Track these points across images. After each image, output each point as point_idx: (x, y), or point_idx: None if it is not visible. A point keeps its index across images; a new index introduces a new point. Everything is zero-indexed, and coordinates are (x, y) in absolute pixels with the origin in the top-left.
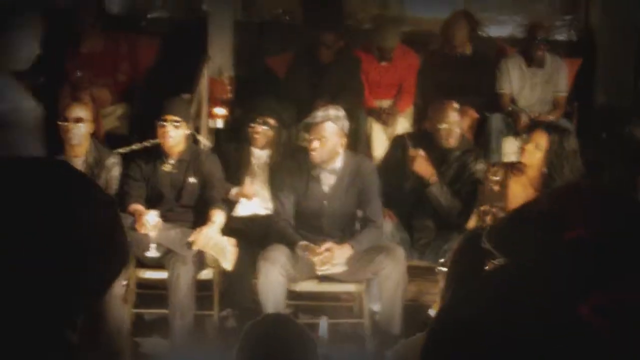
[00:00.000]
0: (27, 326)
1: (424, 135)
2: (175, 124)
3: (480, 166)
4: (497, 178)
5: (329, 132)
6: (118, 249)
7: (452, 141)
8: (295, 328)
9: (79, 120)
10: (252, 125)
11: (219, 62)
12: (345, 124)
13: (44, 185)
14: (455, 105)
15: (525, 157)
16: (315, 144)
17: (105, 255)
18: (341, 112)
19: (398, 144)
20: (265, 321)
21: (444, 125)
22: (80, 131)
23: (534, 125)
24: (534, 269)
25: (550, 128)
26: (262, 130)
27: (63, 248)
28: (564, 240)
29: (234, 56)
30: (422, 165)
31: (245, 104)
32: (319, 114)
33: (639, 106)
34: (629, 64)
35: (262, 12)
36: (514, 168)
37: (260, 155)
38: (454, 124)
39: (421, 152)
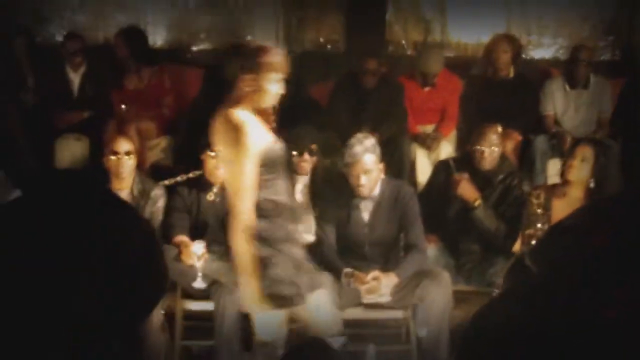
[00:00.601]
0: (65, 349)
1: (467, 158)
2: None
3: (525, 188)
4: (540, 201)
5: (371, 164)
6: (158, 277)
7: (491, 161)
8: (333, 353)
9: (127, 153)
10: (295, 153)
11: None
12: (379, 150)
13: (87, 212)
14: (497, 127)
15: (572, 173)
16: (364, 180)
17: (145, 283)
18: (373, 140)
19: (441, 168)
20: (303, 346)
21: (482, 147)
22: (128, 164)
23: (577, 142)
24: (564, 274)
25: (592, 142)
26: (307, 159)
27: (104, 274)
28: (591, 246)
29: None
30: (466, 188)
31: (288, 133)
32: (357, 148)
33: None
34: None
35: (305, 42)
36: (556, 190)
37: (301, 181)
38: (493, 145)
39: (465, 176)
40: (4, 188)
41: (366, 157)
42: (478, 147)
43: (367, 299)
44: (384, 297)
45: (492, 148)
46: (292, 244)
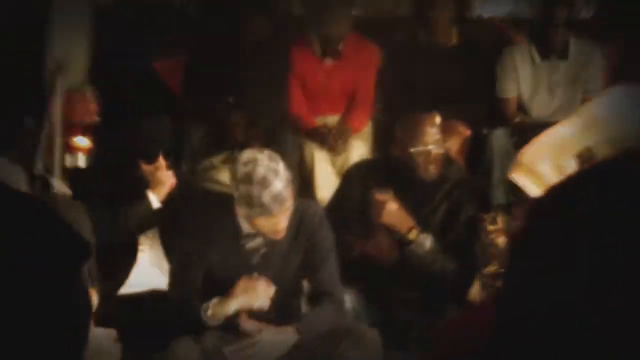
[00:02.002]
0: None
1: (393, 165)
2: None
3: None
4: (498, 226)
5: (290, 195)
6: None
7: (434, 170)
8: None
9: None
10: (145, 160)
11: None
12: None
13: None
14: (435, 117)
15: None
16: (284, 223)
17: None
18: (281, 165)
19: (354, 181)
20: None
21: (420, 148)
22: None
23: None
24: None
25: None
26: (162, 165)
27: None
28: None
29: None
30: (393, 214)
31: (122, 131)
32: (277, 185)
33: None
34: None
35: None
36: (521, 209)
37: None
38: (435, 144)
39: (389, 195)
40: None
41: (287, 192)
42: (420, 149)
43: None
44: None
45: (431, 148)
46: None
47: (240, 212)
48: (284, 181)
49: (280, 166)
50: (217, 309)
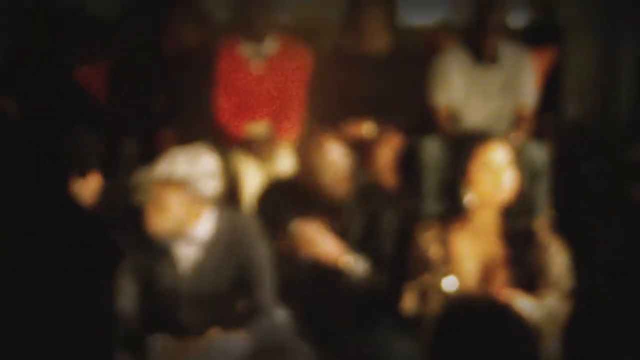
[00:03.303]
0: None
1: (302, 189)
2: None
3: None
4: (431, 237)
5: (169, 201)
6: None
7: (344, 185)
8: None
9: None
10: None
11: None
12: (207, 186)
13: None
14: (367, 125)
15: (485, 186)
16: (149, 213)
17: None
18: (201, 167)
19: (275, 194)
20: None
21: (325, 168)
22: None
23: (470, 142)
24: None
25: (496, 139)
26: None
27: None
28: None
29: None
30: (318, 246)
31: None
32: (161, 167)
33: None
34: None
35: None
36: (453, 220)
37: None
38: (340, 160)
39: (310, 227)
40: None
41: (164, 187)
42: (317, 173)
43: None
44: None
45: (337, 166)
46: None
47: None
48: (168, 177)
49: (202, 162)
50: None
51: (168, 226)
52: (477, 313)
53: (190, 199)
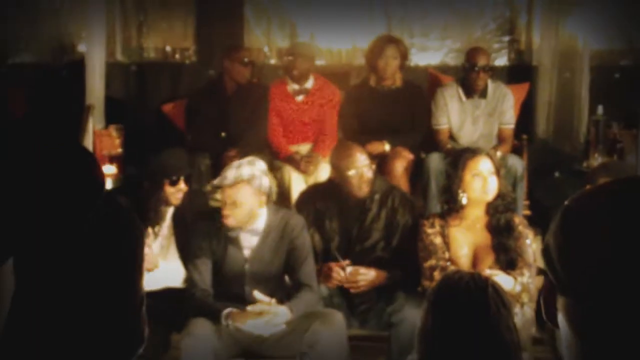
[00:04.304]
0: None
1: (333, 187)
2: None
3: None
4: (436, 229)
5: (242, 196)
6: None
7: (366, 188)
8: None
9: None
10: (164, 182)
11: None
12: (264, 181)
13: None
14: (384, 145)
15: (475, 189)
16: (227, 211)
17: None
18: (258, 167)
19: (303, 203)
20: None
21: (352, 171)
22: None
23: (463, 155)
24: None
25: (482, 153)
26: (183, 188)
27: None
28: None
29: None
30: (360, 282)
31: (141, 160)
32: (230, 173)
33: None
34: (578, 89)
35: (148, 51)
36: (450, 216)
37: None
38: (365, 167)
39: (346, 263)
40: None
41: (238, 187)
42: (353, 172)
43: (260, 329)
44: (279, 327)
45: (362, 171)
46: None
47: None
48: (238, 178)
49: (246, 169)
50: (235, 320)
51: (242, 217)
52: (465, 285)
53: (256, 190)
